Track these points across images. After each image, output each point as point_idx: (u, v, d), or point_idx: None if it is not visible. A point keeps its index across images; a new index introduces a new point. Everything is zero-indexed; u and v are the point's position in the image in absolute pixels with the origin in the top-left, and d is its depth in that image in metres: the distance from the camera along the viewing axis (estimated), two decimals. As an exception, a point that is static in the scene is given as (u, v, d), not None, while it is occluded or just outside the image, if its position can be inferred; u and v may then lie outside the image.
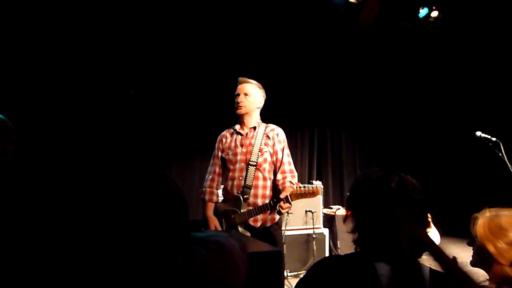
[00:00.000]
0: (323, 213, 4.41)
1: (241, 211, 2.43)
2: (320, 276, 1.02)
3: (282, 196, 2.34)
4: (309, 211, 4.14)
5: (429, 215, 1.07)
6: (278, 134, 2.58)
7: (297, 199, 2.36)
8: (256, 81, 2.68)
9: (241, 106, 2.58)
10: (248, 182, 2.45)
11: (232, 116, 2.84)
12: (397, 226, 0.99)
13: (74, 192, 3.63)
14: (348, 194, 1.13)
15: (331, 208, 4.70)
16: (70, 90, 4.10)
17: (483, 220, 1.26)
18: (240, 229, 2.42)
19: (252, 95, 2.60)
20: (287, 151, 2.59)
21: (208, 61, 4.91)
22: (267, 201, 2.46)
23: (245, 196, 2.44)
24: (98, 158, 4.11)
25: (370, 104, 6.05)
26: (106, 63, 4.34)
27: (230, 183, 2.52)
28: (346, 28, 5.34)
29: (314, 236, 4.07)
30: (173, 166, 4.80)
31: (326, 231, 4.24)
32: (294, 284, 3.52)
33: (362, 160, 5.99)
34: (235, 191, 2.48)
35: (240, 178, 2.48)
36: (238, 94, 2.61)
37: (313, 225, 4.10)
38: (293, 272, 3.95)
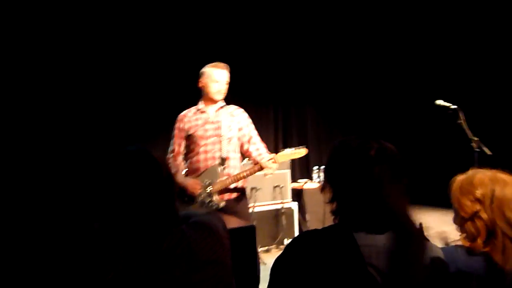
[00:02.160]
0: (291, 188, 4.44)
1: (220, 179, 2.52)
2: (299, 251, 0.99)
3: (268, 156, 2.50)
4: (277, 186, 4.15)
5: None
6: (242, 112, 2.74)
7: (284, 160, 2.57)
8: (216, 60, 2.69)
9: (223, 94, 2.65)
10: (224, 154, 2.56)
11: (194, 96, 2.78)
12: (378, 190, 0.97)
13: (50, 173, 3.57)
14: (325, 162, 1.10)
15: (299, 183, 4.74)
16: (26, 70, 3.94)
17: (460, 176, 1.24)
18: (214, 197, 2.50)
19: (227, 82, 2.65)
20: (252, 126, 2.75)
21: (163, 41, 4.77)
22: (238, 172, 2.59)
23: (223, 166, 2.55)
24: (63, 139, 4.04)
25: (333, 77, 6.08)
26: (63, 44, 4.16)
27: (203, 156, 2.58)
28: None
29: (283, 210, 4.10)
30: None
31: (294, 205, 4.29)
32: (265, 259, 3.57)
33: (327, 134, 6.06)
34: (209, 163, 2.56)
35: (214, 150, 2.57)
36: (223, 82, 2.61)
37: (282, 199, 4.12)
38: (264, 247, 3.99)
